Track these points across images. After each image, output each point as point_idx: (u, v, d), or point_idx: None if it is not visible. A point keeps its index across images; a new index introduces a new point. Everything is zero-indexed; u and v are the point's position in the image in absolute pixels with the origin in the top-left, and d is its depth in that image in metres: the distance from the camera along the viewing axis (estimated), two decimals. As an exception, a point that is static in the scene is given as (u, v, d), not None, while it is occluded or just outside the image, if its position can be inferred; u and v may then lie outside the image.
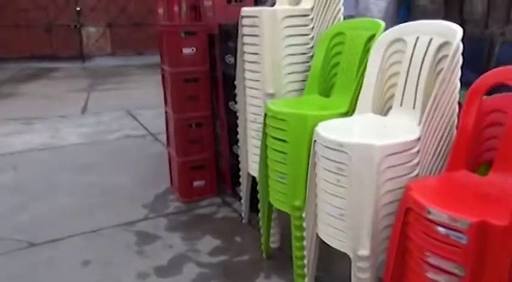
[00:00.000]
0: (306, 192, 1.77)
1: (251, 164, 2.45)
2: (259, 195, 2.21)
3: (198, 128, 2.89)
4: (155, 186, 3.22)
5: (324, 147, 1.57)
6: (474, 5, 3.06)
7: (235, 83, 2.46)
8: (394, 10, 4.09)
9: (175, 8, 3.35)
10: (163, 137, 4.46)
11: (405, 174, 1.48)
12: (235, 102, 2.62)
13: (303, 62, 2.19)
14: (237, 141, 2.61)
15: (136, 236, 2.55)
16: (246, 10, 2.25)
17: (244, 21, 2.25)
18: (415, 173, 1.50)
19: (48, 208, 2.95)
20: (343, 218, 1.55)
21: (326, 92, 2.16)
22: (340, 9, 2.21)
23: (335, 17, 2.21)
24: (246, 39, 2.27)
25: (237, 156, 2.70)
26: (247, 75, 2.31)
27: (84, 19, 10.36)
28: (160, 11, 3.71)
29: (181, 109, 2.81)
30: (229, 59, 2.67)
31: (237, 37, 2.53)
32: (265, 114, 2.02)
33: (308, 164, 1.74)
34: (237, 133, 2.64)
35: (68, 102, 6.28)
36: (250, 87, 2.30)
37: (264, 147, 2.07)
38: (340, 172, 1.51)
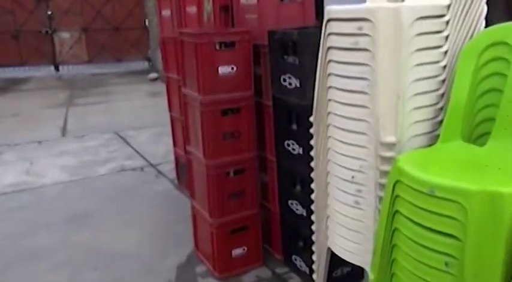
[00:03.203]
0: None
1: (334, 237, 1.65)
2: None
3: (239, 175, 2.07)
4: (174, 251, 2.37)
5: None
6: None
7: (312, 119, 1.65)
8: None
9: (193, 9, 2.51)
10: (166, 168, 3.71)
11: None
12: (304, 145, 1.82)
13: (434, 90, 1.40)
14: (293, 194, 1.84)
15: None
16: (337, 9, 1.44)
17: (335, 26, 1.45)
18: None
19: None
20: None
21: (474, 136, 1.37)
22: (483, 10, 1.43)
23: (477, 22, 1.43)
24: (337, 55, 1.46)
25: (294, 213, 1.93)
26: (337, 109, 1.51)
27: (56, 24, 9.32)
28: (166, 13, 2.87)
29: (217, 152, 1.98)
30: (289, 81, 1.86)
31: (302, 49, 1.74)
32: (397, 181, 1.22)
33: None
34: (293, 182, 1.92)
35: (42, 122, 5.33)
36: (344, 129, 1.50)
37: (388, 230, 1.27)
38: None
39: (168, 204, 2.94)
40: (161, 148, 4.10)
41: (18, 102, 6.62)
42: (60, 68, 9.48)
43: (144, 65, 9.89)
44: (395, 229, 1.26)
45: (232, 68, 1.93)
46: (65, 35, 9.47)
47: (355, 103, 1.43)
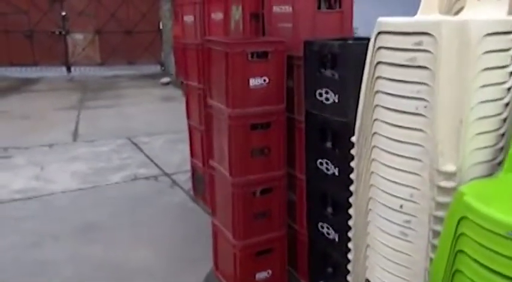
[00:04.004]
0: None
1: (374, 269, 1.51)
2: None
3: (266, 195, 1.93)
4: (191, 270, 2.23)
5: None
6: None
7: (354, 139, 1.51)
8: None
9: (218, 16, 2.39)
10: (181, 178, 3.56)
11: None
12: (340, 166, 1.69)
13: (497, 114, 1.26)
14: (324, 216, 1.73)
15: None
16: (391, 21, 1.31)
17: (387, 40, 1.31)
18: None
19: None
20: None
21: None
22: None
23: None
24: (388, 71, 1.32)
25: (325, 236, 1.81)
26: (385, 130, 1.36)
27: (70, 25, 9.28)
28: (189, 19, 2.75)
29: (244, 170, 1.85)
30: (326, 96, 1.72)
31: (344, 63, 1.61)
32: (462, 218, 1.08)
33: None
34: (324, 203, 1.82)
35: (53, 124, 5.23)
36: (392, 153, 1.35)
37: (449, 271, 1.13)
38: None
39: (184, 217, 2.81)
40: (176, 156, 3.97)
41: (29, 103, 6.54)
42: (72, 69, 9.42)
43: (157, 68, 9.81)
44: (457, 270, 1.11)
45: (264, 80, 1.79)
46: (78, 36, 9.42)
47: (407, 125, 1.29)
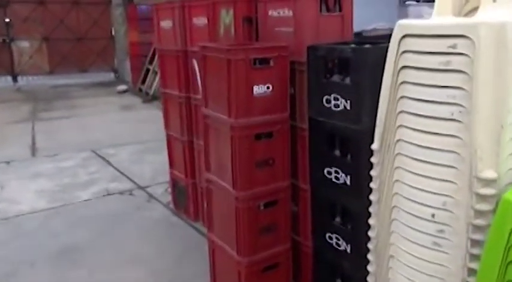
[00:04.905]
0: None
1: (398, 280, 1.46)
2: None
3: (271, 207, 1.84)
4: (188, 291, 2.11)
5: None
6: None
7: (374, 147, 1.45)
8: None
9: (201, 21, 2.27)
10: (157, 191, 3.37)
11: None
12: (352, 174, 1.62)
13: (530, 117, 1.23)
14: (332, 227, 1.74)
15: None
16: (418, 24, 1.26)
17: (414, 43, 1.26)
18: None
19: None
20: None
21: None
22: None
23: None
24: (415, 76, 1.27)
25: (334, 248, 1.76)
26: (412, 137, 1.31)
27: (14, 32, 8.76)
28: (167, 24, 2.61)
29: (249, 182, 1.75)
30: (335, 102, 1.65)
31: (358, 68, 1.56)
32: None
33: None
34: (332, 213, 1.79)
35: (7, 139, 4.88)
36: (421, 160, 1.30)
37: (501, 279, 1.09)
38: None
39: (169, 233, 2.66)
40: (147, 168, 3.80)
41: (-25, 117, 6.09)
42: (19, 78, 8.90)
43: (110, 76, 9.47)
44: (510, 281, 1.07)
45: (268, 88, 1.70)
46: (24, 43, 8.92)
47: (439, 131, 1.24)
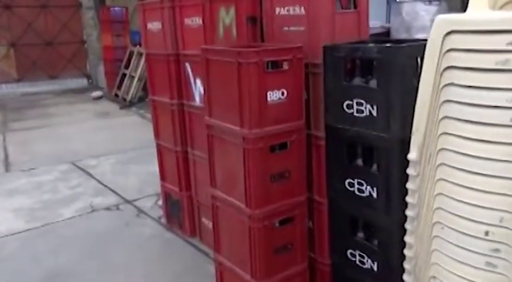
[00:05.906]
0: None
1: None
2: None
3: (287, 225, 1.67)
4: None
5: None
6: None
7: (411, 157, 1.29)
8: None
9: (195, 22, 2.09)
10: (146, 205, 3.14)
11: None
12: (379, 186, 1.47)
13: None
14: (354, 243, 1.59)
15: None
16: (468, 19, 1.12)
17: (462, 40, 1.12)
18: None
19: None
20: None
21: None
22: None
23: None
24: (464, 77, 1.13)
25: (357, 265, 1.62)
26: (459, 146, 1.17)
27: (-21, 38, 8.33)
28: (155, 26, 2.41)
29: (263, 199, 1.57)
30: (358, 107, 1.49)
31: (387, 69, 1.41)
32: None
33: None
34: (354, 228, 1.66)
35: (-24, 153, 4.56)
36: (473, 172, 1.16)
37: None
38: None
39: (166, 252, 2.46)
40: (132, 180, 3.57)
41: None
42: (-15, 87, 8.46)
43: (83, 82, 9.11)
44: None
45: (283, 94, 1.54)
46: (-10, 50, 8.48)
47: (495, 139, 1.10)
